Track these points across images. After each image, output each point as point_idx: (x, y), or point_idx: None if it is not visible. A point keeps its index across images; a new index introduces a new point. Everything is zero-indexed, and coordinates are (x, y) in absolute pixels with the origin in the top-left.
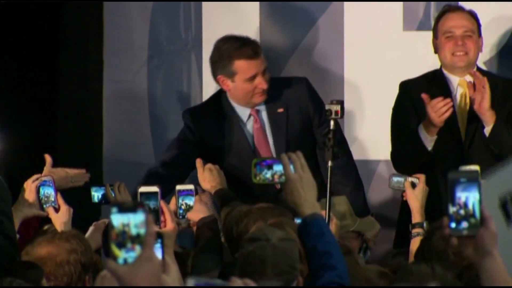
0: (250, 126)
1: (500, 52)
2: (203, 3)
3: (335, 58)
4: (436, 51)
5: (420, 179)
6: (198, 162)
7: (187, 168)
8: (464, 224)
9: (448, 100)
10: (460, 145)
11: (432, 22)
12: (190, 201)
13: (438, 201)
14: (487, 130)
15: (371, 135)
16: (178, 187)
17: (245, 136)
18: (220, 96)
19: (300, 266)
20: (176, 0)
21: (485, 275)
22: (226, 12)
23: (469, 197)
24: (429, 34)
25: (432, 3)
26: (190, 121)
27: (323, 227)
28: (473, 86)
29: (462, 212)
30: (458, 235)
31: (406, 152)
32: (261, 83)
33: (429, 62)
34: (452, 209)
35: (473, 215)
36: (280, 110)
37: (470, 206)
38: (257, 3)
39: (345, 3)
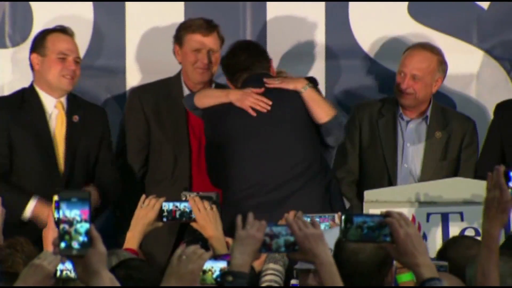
0: None
1: None
2: None
3: None
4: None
5: None
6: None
7: None
8: (75, 244)
9: None
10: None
11: (7, 40)
12: None
13: None
14: None
15: None
16: None
17: None
18: None
19: None
20: None
21: None
22: None
23: (77, 217)
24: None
25: (7, 20)
26: None
27: None
28: None
29: (71, 232)
30: (68, 255)
31: None
32: None
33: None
34: (61, 229)
35: (82, 235)
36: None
37: (78, 227)
38: None
39: None
